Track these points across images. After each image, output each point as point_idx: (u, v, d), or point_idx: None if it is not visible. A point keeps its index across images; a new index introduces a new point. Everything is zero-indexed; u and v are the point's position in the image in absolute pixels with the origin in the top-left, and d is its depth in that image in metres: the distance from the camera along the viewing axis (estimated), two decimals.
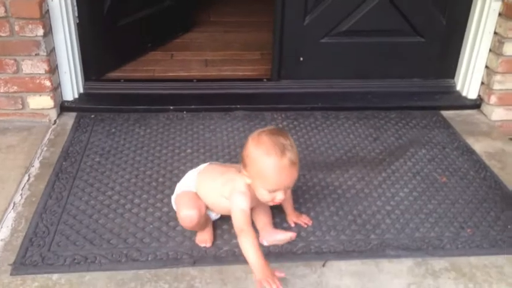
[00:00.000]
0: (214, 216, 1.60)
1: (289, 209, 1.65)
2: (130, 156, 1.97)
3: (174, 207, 1.60)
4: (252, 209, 1.54)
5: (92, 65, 2.40)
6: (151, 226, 1.61)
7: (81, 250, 1.50)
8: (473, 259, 1.53)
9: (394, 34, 2.46)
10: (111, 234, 1.56)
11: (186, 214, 1.49)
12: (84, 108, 2.28)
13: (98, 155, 1.97)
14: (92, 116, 2.24)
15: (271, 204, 1.46)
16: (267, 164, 1.34)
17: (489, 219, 1.70)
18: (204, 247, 1.53)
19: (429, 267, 1.50)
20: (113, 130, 2.15)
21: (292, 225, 1.63)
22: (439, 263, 1.51)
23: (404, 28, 2.45)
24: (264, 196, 1.40)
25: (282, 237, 1.57)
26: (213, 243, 1.55)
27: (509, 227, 1.66)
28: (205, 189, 1.54)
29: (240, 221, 1.40)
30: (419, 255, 1.54)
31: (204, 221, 1.54)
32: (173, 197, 1.62)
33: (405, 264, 1.51)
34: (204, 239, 1.54)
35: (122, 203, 1.70)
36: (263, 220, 1.59)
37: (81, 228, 1.59)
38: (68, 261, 1.46)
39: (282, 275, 1.36)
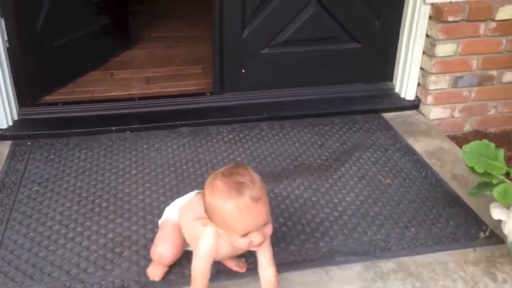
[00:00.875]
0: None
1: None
2: (71, 182, 1.91)
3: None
4: None
5: (26, 90, 2.31)
6: (95, 254, 1.55)
7: (21, 287, 1.43)
8: (418, 258, 1.56)
9: (332, 41, 2.50)
10: (53, 267, 1.50)
11: (160, 253, 1.44)
12: (20, 135, 2.19)
13: (36, 183, 1.89)
14: (29, 143, 2.15)
15: (252, 249, 1.30)
16: (227, 211, 1.20)
17: (432, 217, 1.75)
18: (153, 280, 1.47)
19: (377, 270, 1.52)
20: (52, 156, 2.07)
21: None
22: (386, 265, 1.53)
23: (341, 35, 2.50)
24: (240, 243, 1.24)
25: (232, 267, 1.53)
26: (165, 277, 1.48)
27: (450, 223, 1.71)
28: (184, 225, 1.46)
29: (194, 276, 1.32)
30: (367, 259, 1.56)
31: None
32: (160, 221, 1.56)
33: (354, 269, 1.52)
34: (155, 274, 1.47)
35: (63, 233, 1.64)
36: None
37: (19, 263, 1.51)
38: None
39: None
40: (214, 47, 2.43)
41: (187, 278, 1.43)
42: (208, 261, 1.32)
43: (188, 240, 1.46)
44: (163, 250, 1.44)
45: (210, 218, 1.27)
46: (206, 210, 1.27)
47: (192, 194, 1.54)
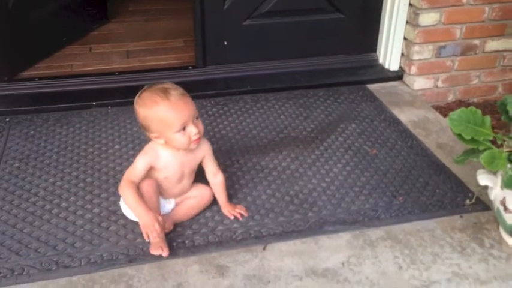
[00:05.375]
0: (168, 206, 1.57)
1: (222, 199, 1.62)
2: (53, 158, 1.86)
3: (125, 209, 1.54)
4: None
5: (2, 65, 2.24)
6: (82, 229, 1.53)
7: (7, 263, 1.40)
8: (406, 226, 1.57)
9: (315, 12, 2.48)
10: (39, 243, 1.47)
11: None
12: None
13: (17, 160, 1.84)
14: (7, 119, 2.09)
15: (193, 146, 1.46)
16: (160, 110, 1.39)
17: (418, 185, 1.76)
18: (160, 255, 1.43)
19: (366, 238, 1.52)
20: (32, 132, 2.01)
21: (231, 217, 1.59)
22: (375, 233, 1.54)
23: (323, 6, 2.47)
24: (181, 140, 1.43)
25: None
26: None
27: (437, 191, 1.72)
28: None
29: (128, 174, 1.46)
30: (356, 227, 1.56)
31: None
32: (121, 201, 1.55)
33: (343, 238, 1.52)
34: (158, 245, 1.43)
35: (47, 209, 1.60)
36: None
37: (4, 239, 1.47)
38: None
39: (161, 217, 1.43)
40: (195, 19, 2.38)
41: (176, 250, 1.44)
42: (142, 167, 1.45)
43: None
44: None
45: (149, 130, 1.44)
46: (143, 125, 1.45)
47: None
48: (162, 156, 1.48)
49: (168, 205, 1.58)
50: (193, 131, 1.42)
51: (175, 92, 1.42)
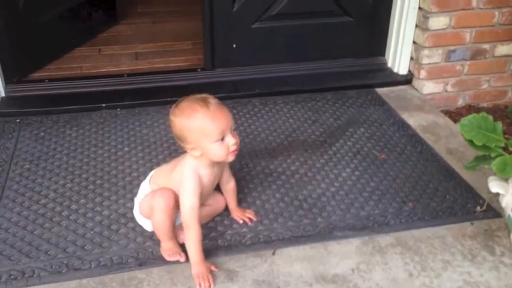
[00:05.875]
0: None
1: (232, 204, 1.63)
2: (63, 160, 1.87)
3: (139, 220, 1.54)
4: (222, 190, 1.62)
5: (12, 66, 2.25)
6: (92, 232, 1.53)
7: (17, 265, 1.41)
8: (416, 232, 1.57)
9: (324, 15, 2.47)
10: (49, 245, 1.47)
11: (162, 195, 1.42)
12: (8, 112, 2.13)
13: (28, 161, 1.85)
14: (17, 120, 2.10)
15: (231, 157, 1.40)
16: (199, 118, 1.34)
17: (428, 191, 1.75)
18: (178, 261, 1.44)
19: (376, 245, 1.52)
20: (42, 134, 2.02)
21: (240, 221, 1.60)
22: (385, 240, 1.54)
23: (332, 9, 2.47)
24: (218, 151, 1.37)
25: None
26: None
27: (447, 197, 1.71)
28: (162, 181, 1.48)
29: (187, 218, 1.38)
30: (365, 233, 1.56)
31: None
32: (136, 211, 1.54)
33: (353, 244, 1.52)
34: (174, 250, 1.45)
35: (58, 211, 1.61)
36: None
37: (15, 241, 1.48)
38: (3, 278, 1.36)
39: (215, 269, 1.42)
40: (204, 21, 2.38)
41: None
42: (196, 202, 1.39)
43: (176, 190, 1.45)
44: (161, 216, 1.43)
45: (185, 140, 1.38)
46: (179, 135, 1.39)
47: (151, 173, 1.56)
48: (202, 176, 1.43)
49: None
50: (231, 141, 1.37)
51: (214, 101, 1.38)
